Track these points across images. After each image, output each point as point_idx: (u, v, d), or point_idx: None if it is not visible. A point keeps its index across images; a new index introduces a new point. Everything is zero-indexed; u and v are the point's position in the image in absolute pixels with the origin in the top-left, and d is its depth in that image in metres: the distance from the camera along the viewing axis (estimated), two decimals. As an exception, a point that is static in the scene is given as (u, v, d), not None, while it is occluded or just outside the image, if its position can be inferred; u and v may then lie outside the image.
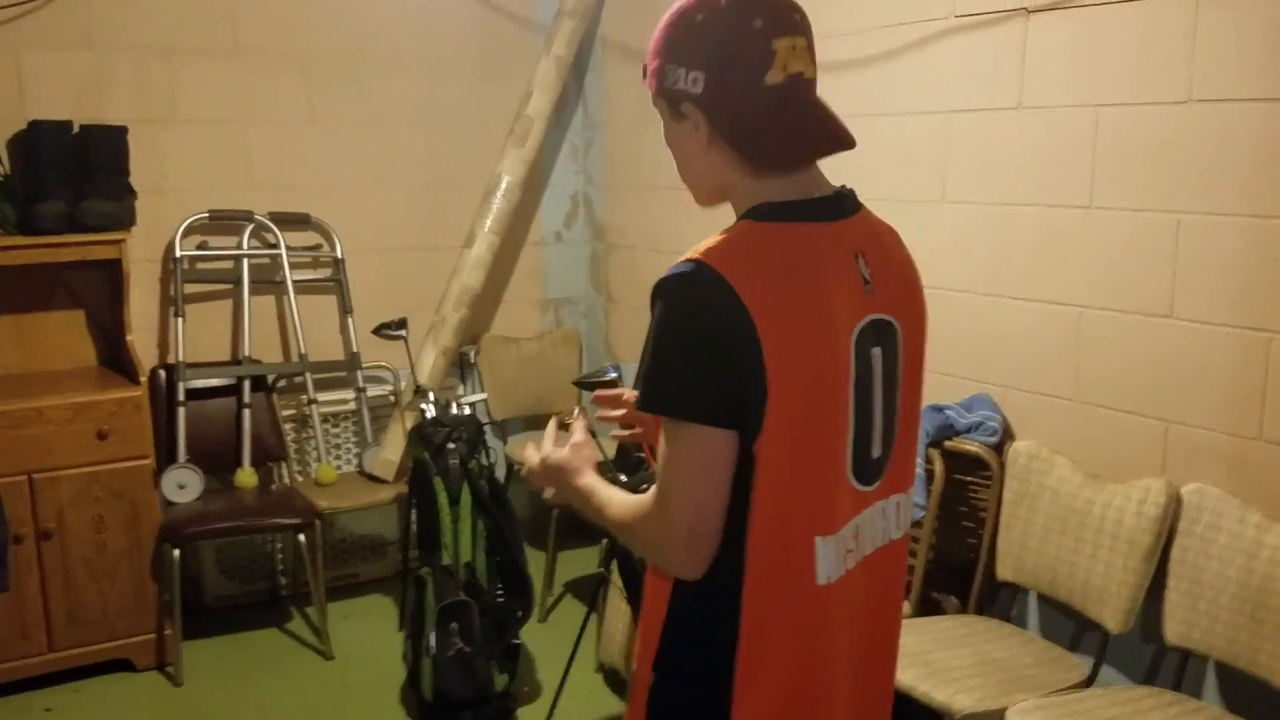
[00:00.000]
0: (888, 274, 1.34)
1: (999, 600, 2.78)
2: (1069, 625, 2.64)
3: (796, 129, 1.27)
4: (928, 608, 2.86)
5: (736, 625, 1.25)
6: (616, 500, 1.35)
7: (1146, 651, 2.47)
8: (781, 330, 1.19)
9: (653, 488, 1.25)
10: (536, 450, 1.52)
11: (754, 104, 1.24)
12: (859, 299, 1.28)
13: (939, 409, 2.87)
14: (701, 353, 1.19)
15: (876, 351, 1.30)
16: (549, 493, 1.51)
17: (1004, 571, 2.70)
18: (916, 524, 2.85)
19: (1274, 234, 2.20)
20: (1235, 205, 2.27)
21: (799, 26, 1.26)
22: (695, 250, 1.23)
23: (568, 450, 1.47)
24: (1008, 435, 2.81)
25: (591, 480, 1.42)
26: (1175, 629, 2.32)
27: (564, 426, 1.60)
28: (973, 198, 2.88)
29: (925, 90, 2.98)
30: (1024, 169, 2.73)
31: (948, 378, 2.93)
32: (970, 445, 2.79)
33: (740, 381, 1.18)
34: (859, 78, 3.15)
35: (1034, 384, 2.76)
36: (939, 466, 2.81)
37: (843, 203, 1.33)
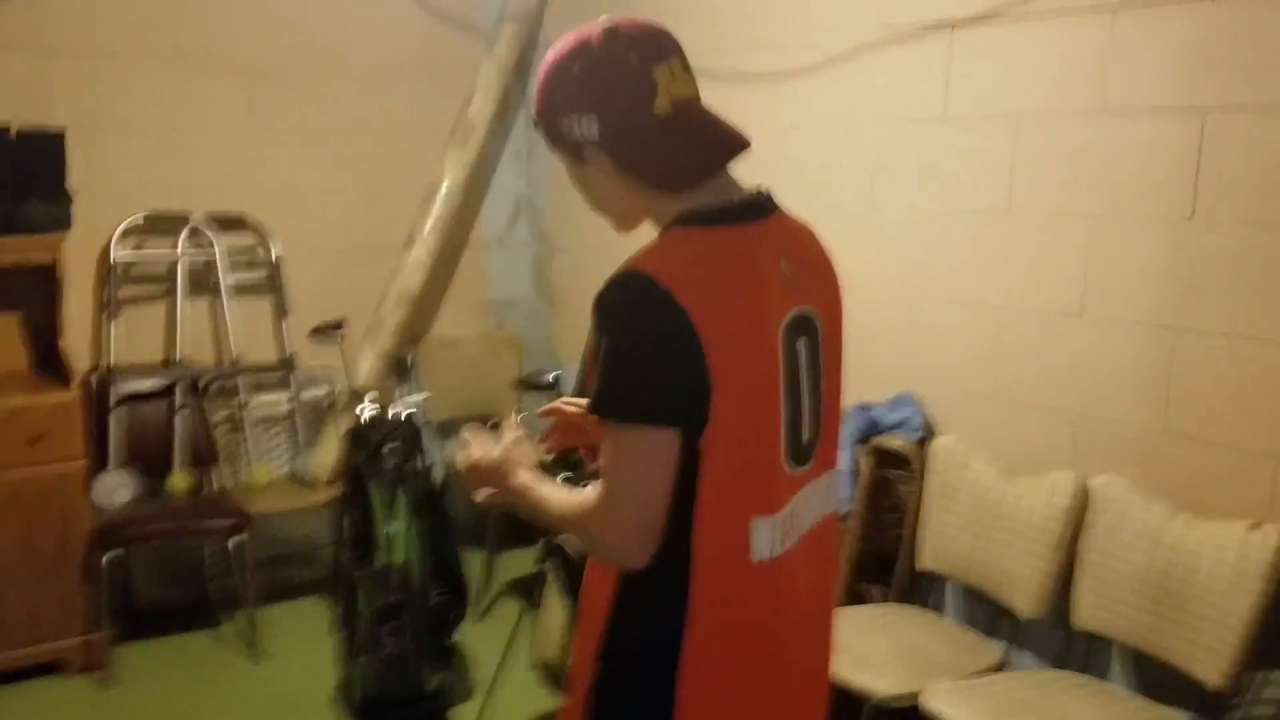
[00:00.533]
0: (807, 270, 1.41)
1: (921, 589, 2.86)
2: (985, 612, 2.72)
3: (694, 149, 1.35)
4: (854, 598, 2.93)
5: (684, 610, 1.30)
6: (556, 498, 1.38)
7: (1058, 636, 2.55)
8: (719, 329, 1.25)
9: (597, 485, 1.29)
10: (466, 454, 1.51)
11: (649, 135, 1.32)
12: (783, 294, 1.35)
13: (865, 408, 2.95)
14: (646, 358, 1.25)
15: (802, 342, 1.37)
16: (481, 495, 1.50)
17: (925, 561, 2.78)
18: (843, 517, 2.92)
19: (1181, 236, 2.31)
20: (1144, 209, 2.37)
21: (670, 49, 1.35)
22: (632, 260, 1.29)
23: (500, 451, 1.47)
24: (931, 432, 2.89)
25: (527, 478, 1.44)
26: (1084, 614, 2.41)
27: (494, 427, 1.59)
28: (900, 204, 2.96)
29: (855, 100, 3.06)
30: (948, 176, 2.82)
31: (874, 377, 3.01)
32: (894, 442, 2.87)
33: (685, 381, 1.24)
34: (791, 88, 3.23)
35: (955, 382, 2.84)
36: (865, 463, 2.88)
37: (761, 205, 1.40)
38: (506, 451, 1.47)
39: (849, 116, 3.08)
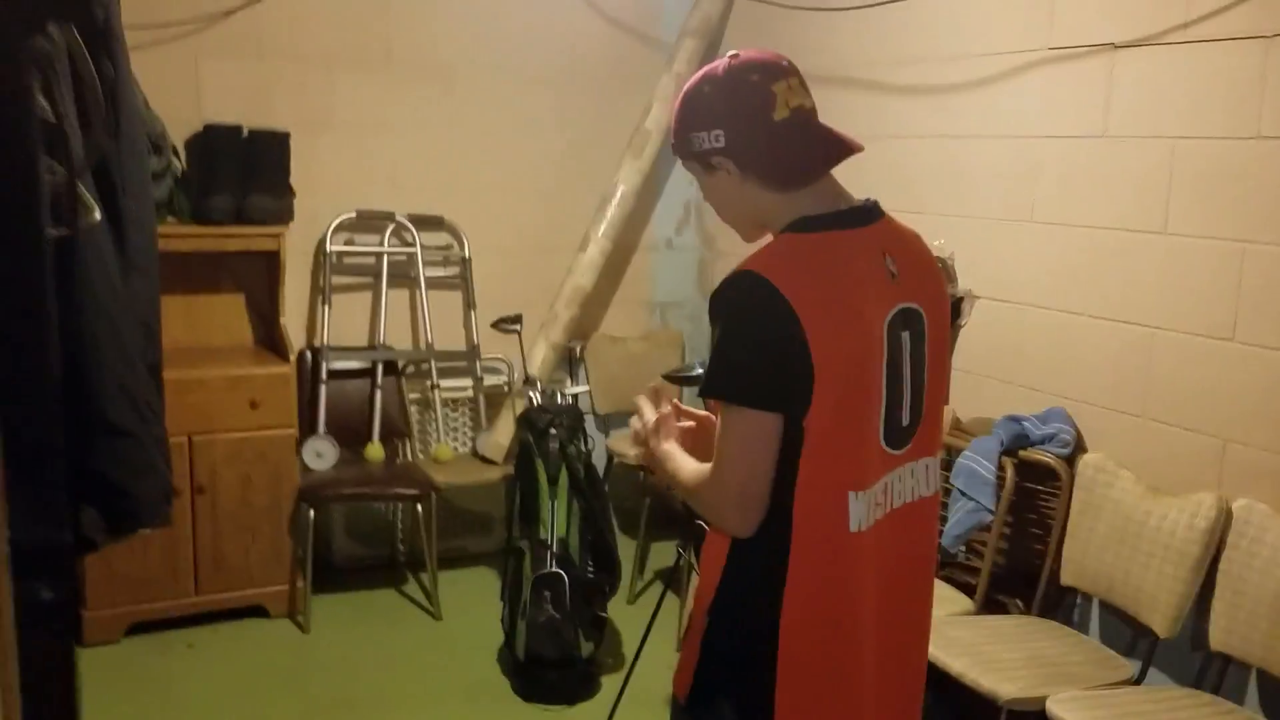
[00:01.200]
0: (912, 269, 1.57)
1: (1062, 604, 2.90)
2: (1125, 631, 2.75)
3: (809, 148, 1.53)
4: (993, 608, 3.00)
5: (784, 572, 1.48)
6: (687, 467, 1.59)
7: (1195, 658, 2.56)
8: (822, 323, 1.42)
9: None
10: (636, 416, 1.73)
11: (770, 137, 1.51)
12: (888, 291, 1.51)
13: (1015, 419, 3.01)
14: (755, 348, 1.45)
15: (905, 335, 1.53)
16: (637, 451, 1.74)
17: (1067, 577, 2.82)
18: (985, 528, 2.99)
19: (1335, 263, 2.30)
20: (1298, 236, 2.37)
21: (788, 71, 1.53)
22: (746, 261, 1.48)
23: (655, 420, 1.69)
24: (1079, 448, 2.92)
25: (670, 447, 1.65)
26: (1218, 636, 2.43)
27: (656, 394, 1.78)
28: (1057, 219, 3.01)
29: (1017, 116, 3.12)
30: (1105, 194, 2.86)
31: (1026, 389, 3.07)
32: (1043, 456, 2.92)
33: (789, 369, 1.42)
34: (959, 100, 3.32)
35: (1106, 399, 2.87)
36: (1010, 474, 2.95)
37: (868, 212, 1.57)
38: (659, 421, 1.68)
39: (1012, 130, 3.14)
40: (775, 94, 1.50)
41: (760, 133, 1.51)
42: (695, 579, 3.11)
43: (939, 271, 1.63)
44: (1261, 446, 2.45)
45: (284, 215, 3.90)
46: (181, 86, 3.90)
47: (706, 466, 1.53)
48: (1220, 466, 2.55)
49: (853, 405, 1.47)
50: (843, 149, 1.54)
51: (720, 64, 1.55)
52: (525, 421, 3.50)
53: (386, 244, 4.23)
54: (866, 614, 1.54)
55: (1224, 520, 2.46)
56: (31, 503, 1.57)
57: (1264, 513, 2.38)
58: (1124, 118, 2.80)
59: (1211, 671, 2.50)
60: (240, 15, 3.95)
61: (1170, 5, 2.64)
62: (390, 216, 4.22)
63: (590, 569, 3.40)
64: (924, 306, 1.56)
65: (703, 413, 1.75)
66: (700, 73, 1.58)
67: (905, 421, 1.54)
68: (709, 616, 1.57)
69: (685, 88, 1.59)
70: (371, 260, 4.25)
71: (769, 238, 1.57)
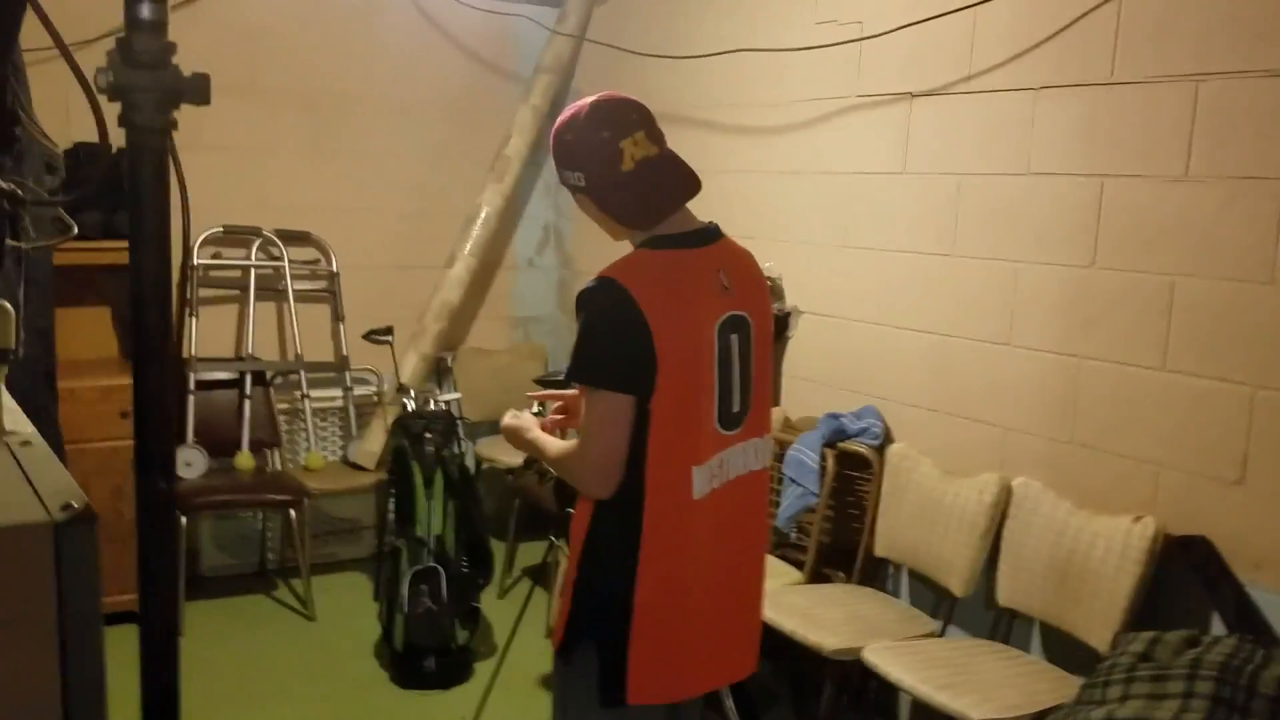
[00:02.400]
0: (742, 283, 1.93)
1: (877, 574, 3.35)
2: (930, 595, 3.21)
3: (651, 198, 1.87)
4: (819, 579, 3.42)
5: (639, 530, 1.82)
6: (554, 445, 1.95)
7: (987, 615, 3.03)
8: (666, 324, 1.77)
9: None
10: (506, 419, 2.11)
11: (618, 188, 1.85)
12: (720, 300, 1.87)
13: (835, 416, 3.45)
14: (611, 341, 1.79)
15: (734, 337, 1.89)
16: (512, 443, 2.11)
17: (880, 549, 3.27)
18: (812, 510, 3.42)
19: (1084, 280, 2.81)
20: (1059, 257, 2.87)
21: (637, 124, 1.85)
22: (606, 270, 1.81)
23: (523, 418, 2.08)
24: (888, 439, 3.39)
25: (537, 434, 2.02)
26: (1004, 594, 2.90)
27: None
28: (867, 244, 3.48)
29: (832, 154, 3.58)
30: (905, 222, 3.33)
31: (843, 390, 3.52)
32: (858, 447, 3.37)
33: (638, 359, 1.77)
34: (779, 141, 3.76)
35: (908, 397, 3.34)
36: (831, 463, 3.38)
37: (708, 234, 1.93)
38: (525, 418, 2.07)
39: (828, 167, 3.60)
40: (622, 150, 1.82)
41: (610, 182, 1.84)
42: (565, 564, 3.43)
43: (765, 285, 2.01)
44: (1032, 433, 2.95)
45: (152, 231, 4.01)
46: (52, 106, 3.95)
47: (570, 442, 1.87)
48: (1000, 451, 3.04)
49: (689, 392, 1.82)
50: (683, 193, 1.88)
51: (583, 112, 1.87)
52: (401, 427, 3.73)
53: (254, 258, 4.38)
54: (704, 566, 1.89)
55: (1005, 496, 2.93)
56: None
57: (1037, 489, 2.86)
58: (919, 156, 3.28)
59: (1001, 624, 2.97)
60: (107, 41, 4.02)
61: (956, 61, 3.13)
62: (257, 231, 4.38)
63: (465, 564, 3.66)
64: (750, 314, 1.93)
65: (570, 392, 2.11)
66: (566, 116, 1.90)
67: (736, 408, 1.90)
68: (577, 574, 1.89)
69: (556, 126, 1.91)
70: (239, 274, 4.39)
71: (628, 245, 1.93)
